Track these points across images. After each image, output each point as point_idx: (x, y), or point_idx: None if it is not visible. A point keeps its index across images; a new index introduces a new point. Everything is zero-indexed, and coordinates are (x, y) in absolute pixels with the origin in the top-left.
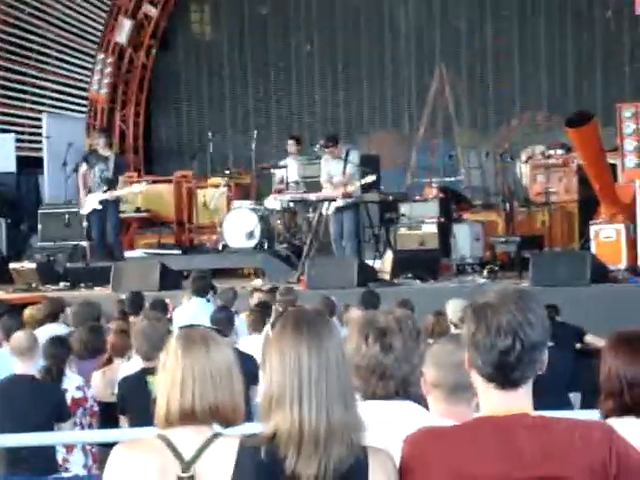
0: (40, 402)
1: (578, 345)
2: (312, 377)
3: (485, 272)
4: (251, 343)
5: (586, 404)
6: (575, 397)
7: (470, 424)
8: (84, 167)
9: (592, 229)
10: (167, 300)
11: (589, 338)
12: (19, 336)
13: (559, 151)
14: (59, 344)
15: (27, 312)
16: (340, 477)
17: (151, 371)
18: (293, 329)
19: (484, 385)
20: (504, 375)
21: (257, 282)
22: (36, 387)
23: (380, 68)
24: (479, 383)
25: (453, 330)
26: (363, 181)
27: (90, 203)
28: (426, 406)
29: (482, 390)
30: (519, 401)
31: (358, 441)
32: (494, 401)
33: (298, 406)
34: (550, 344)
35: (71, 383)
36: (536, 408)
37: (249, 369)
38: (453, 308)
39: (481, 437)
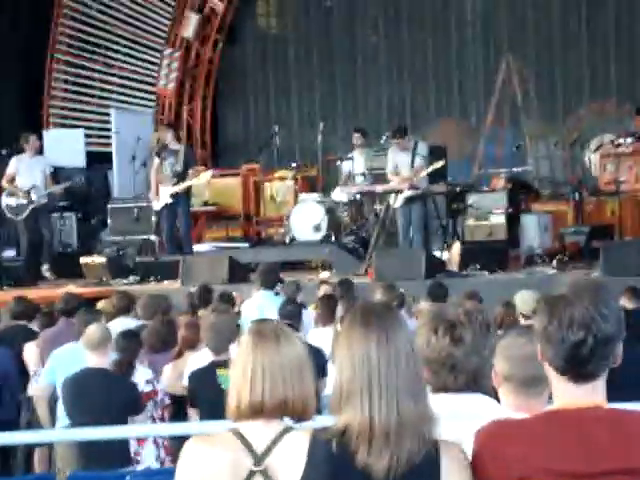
0: (113, 395)
1: None
2: (381, 371)
3: (554, 263)
4: (320, 336)
5: None
6: None
7: (543, 417)
8: (156, 162)
9: None
10: (235, 293)
11: None
12: (92, 330)
13: (629, 139)
14: (131, 337)
15: (99, 306)
16: (412, 470)
17: (220, 364)
18: (361, 323)
19: (557, 378)
20: (576, 368)
21: (324, 274)
22: (109, 380)
23: (446, 58)
24: (552, 376)
25: (522, 322)
26: (432, 167)
27: (162, 198)
28: (497, 399)
29: (555, 383)
30: (592, 394)
31: (430, 434)
32: (567, 394)
33: (368, 400)
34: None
35: (141, 376)
36: (609, 401)
37: (317, 362)
38: (522, 299)
39: (554, 430)
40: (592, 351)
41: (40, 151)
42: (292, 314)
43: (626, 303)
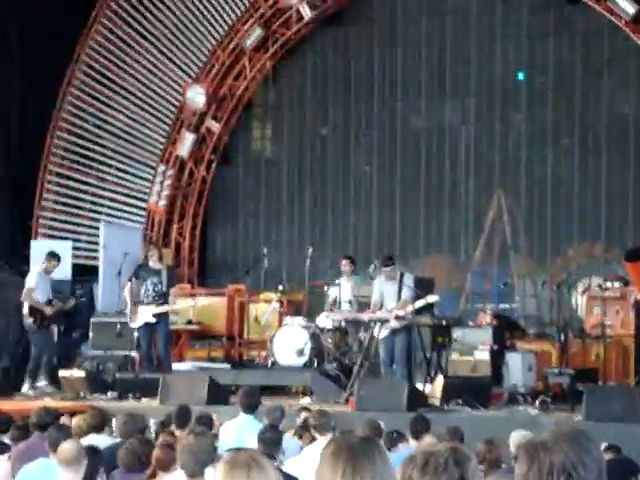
0: None
1: None
2: None
3: (537, 403)
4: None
5: None
6: None
7: None
8: (133, 281)
9: None
10: (214, 415)
11: None
12: (66, 446)
13: (616, 284)
14: (91, 454)
15: (74, 422)
16: None
17: None
18: (331, 456)
19: None
20: None
21: (305, 400)
22: None
23: (438, 191)
24: None
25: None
26: (424, 301)
27: (143, 316)
28: None
29: None
30: None
31: None
32: None
33: None
34: None
35: None
36: None
37: None
38: (516, 440)
39: None
40: None
41: None
42: (271, 441)
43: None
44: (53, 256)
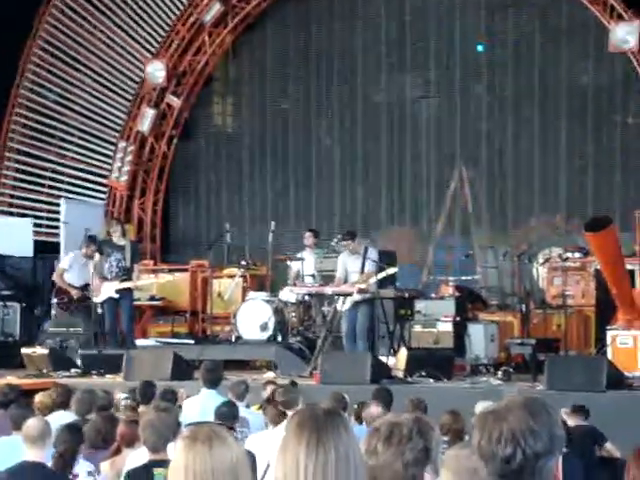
0: None
1: (599, 452)
2: (308, 476)
3: (499, 373)
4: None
5: None
6: None
7: None
8: (97, 257)
9: (609, 334)
10: (181, 390)
11: (609, 446)
12: (32, 423)
13: (577, 254)
14: (74, 430)
15: (37, 399)
16: None
17: (158, 463)
18: (296, 427)
19: None
20: None
21: (269, 375)
22: (46, 476)
23: (400, 165)
24: None
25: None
26: (383, 274)
27: (106, 291)
28: None
29: None
30: None
31: None
32: None
33: None
34: (565, 450)
35: (82, 468)
36: None
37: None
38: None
39: None
40: (522, 466)
41: None
42: (227, 415)
43: (568, 420)
44: (89, 239)
